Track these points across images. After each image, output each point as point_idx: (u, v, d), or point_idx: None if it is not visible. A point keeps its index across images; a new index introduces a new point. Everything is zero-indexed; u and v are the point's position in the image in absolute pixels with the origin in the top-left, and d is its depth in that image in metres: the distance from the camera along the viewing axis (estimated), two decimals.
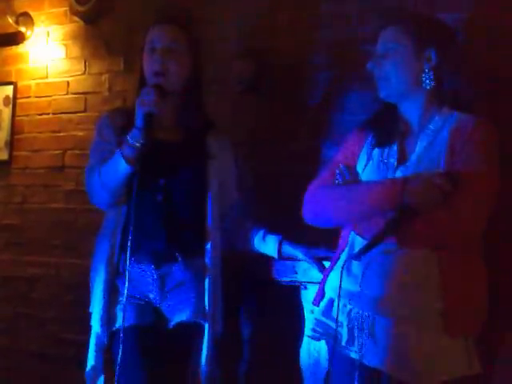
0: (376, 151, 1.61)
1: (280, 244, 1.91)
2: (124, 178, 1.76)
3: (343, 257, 1.60)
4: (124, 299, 1.71)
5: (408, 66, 1.55)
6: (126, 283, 1.72)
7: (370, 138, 1.64)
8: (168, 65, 1.81)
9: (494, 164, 1.49)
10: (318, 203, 1.62)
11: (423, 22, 1.59)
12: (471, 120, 1.51)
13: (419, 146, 1.54)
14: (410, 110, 1.60)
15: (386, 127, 1.62)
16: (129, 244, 1.70)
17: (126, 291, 1.72)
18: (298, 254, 1.88)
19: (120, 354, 1.66)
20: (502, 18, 1.82)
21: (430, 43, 1.54)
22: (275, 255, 1.92)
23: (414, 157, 1.53)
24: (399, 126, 1.61)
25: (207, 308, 1.82)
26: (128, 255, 1.72)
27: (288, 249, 1.90)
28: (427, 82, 1.54)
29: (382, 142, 1.61)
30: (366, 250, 1.44)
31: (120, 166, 1.75)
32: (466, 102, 1.56)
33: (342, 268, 1.50)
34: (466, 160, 1.46)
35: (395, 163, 1.55)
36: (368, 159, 1.61)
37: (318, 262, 1.83)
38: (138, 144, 1.72)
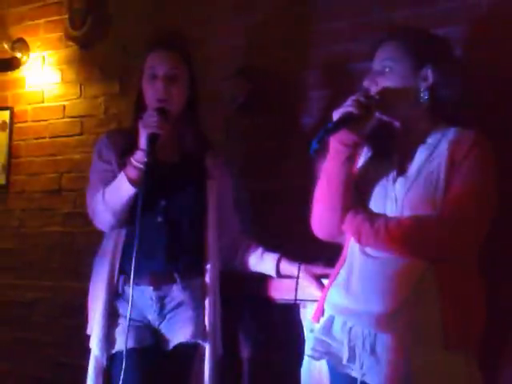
0: (375, 163, 1.62)
1: (278, 262, 1.90)
2: (128, 199, 1.77)
3: (343, 273, 1.59)
4: (128, 322, 1.71)
5: (404, 85, 1.55)
6: (130, 306, 1.71)
7: (365, 151, 1.65)
8: (170, 91, 1.84)
9: (492, 181, 1.49)
10: (312, 215, 1.62)
11: (420, 39, 1.59)
12: (470, 134, 1.51)
13: (418, 159, 1.54)
14: (407, 125, 1.60)
15: (382, 141, 1.62)
16: (133, 266, 1.69)
17: (129, 313, 1.72)
18: (295, 271, 1.86)
19: (122, 376, 1.66)
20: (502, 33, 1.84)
21: (426, 61, 1.54)
22: (273, 274, 1.92)
23: (413, 169, 1.53)
24: (395, 139, 1.61)
25: (208, 328, 1.81)
26: (132, 276, 1.70)
27: (286, 266, 1.89)
28: (423, 99, 1.54)
29: (379, 155, 1.62)
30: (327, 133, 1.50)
31: (124, 188, 1.76)
32: (462, 116, 1.56)
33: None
34: (465, 175, 1.47)
35: (395, 175, 1.55)
36: (366, 171, 1.62)
37: (317, 280, 1.82)
38: (141, 165, 1.73)
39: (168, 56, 1.88)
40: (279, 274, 1.91)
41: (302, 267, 1.85)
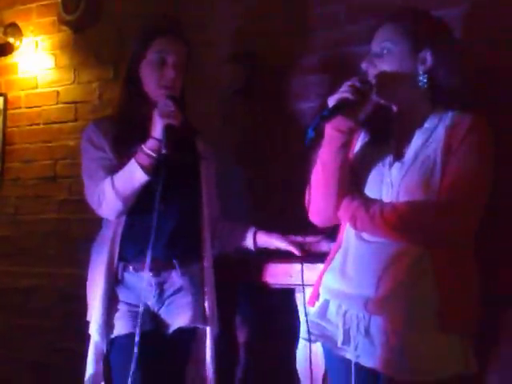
0: (371, 148, 1.61)
1: (254, 234, 1.93)
2: (140, 186, 1.77)
3: (338, 257, 1.59)
4: (141, 309, 1.72)
5: (402, 68, 1.54)
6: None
7: (362, 136, 1.65)
8: (176, 80, 1.84)
9: (489, 166, 1.49)
10: (308, 201, 1.62)
11: (419, 21, 1.57)
12: (467, 118, 1.50)
13: (415, 144, 1.53)
14: (404, 109, 1.59)
15: (379, 125, 1.61)
16: (149, 253, 1.70)
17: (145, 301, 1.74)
18: (273, 240, 1.90)
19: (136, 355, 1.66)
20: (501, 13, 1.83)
21: (425, 44, 1.52)
22: (251, 247, 1.94)
23: (409, 154, 1.52)
24: (393, 124, 1.60)
25: (208, 312, 1.83)
26: (149, 261, 1.70)
27: (263, 238, 1.92)
28: (421, 83, 1.53)
29: (376, 140, 1.61)
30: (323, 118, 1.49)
31: (137, 175, 1.75)
32: (461, 101, 1.54)
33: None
34: (461, 160, 1.46)
35: (391, 160, 1.55)
36: (363, 156, 1.61)
37: (295, 246, 1.85)
38: (154, 154, 1.73)
39: (178, 43, 1.87)
40: (256, 247, 1.93)
41: (279, 235, 1.89)
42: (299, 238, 1.86)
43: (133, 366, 1.65)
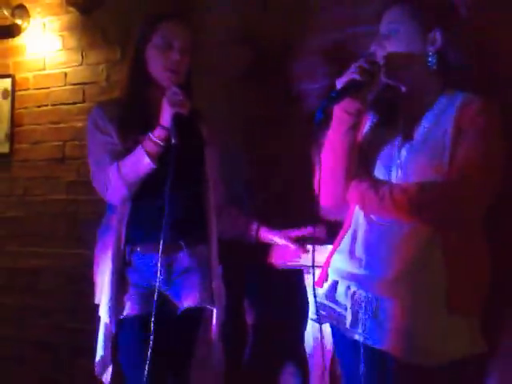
0: (380, 129, 1.60)
1: (257, 229, 1.94)
2: (145, 173, 1.77)
3: (347, 239, 1.59)
4: (157, 284, 1.74)
5: (411, 49, 1.53)
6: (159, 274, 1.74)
7: (371, 117, 1.64)
8: (182, 64, 1.84)
9: (499, 147, 1.47)
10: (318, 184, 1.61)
11: (428, 1, 1.56)
12: (477, 99, 1.49)
13: (424, 125, 1.52)
14: (414, 90, 1.58)
15: (388, 106, 1.61)
16: (162, 236, 1.71)
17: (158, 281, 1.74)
18: (273, 237, 1.93)
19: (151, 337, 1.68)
20: None
21: (434, 24, 1.51)
22: (252, 240, 1.96)
23: (419, 135, 1.52)
24: (401, 105, 1.59)
25: (215, 292, 1.85)
26: (161, 245, 1.72)
27: (265, 234, 1.95)
28: (431, 64, 1.52)
29: (385, 121, 1.60)
30: (332, 99, 1.48)
31: (143, 163, 1.76)
32: (470, 82, 1.53)
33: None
34: (471, 141, 1.45)
35: (400, 141, 1.54)
36: (371, 138, 1.60)
37: (294, 243, 1.89)
38: (162, 143, 1.74)
39: (185, 28, 1.87)
40: (258, 241, 1.96)
41: (279, 232, 1.92)
42: (296, 232, 1.90)
43: (150, 347, 1.67)
